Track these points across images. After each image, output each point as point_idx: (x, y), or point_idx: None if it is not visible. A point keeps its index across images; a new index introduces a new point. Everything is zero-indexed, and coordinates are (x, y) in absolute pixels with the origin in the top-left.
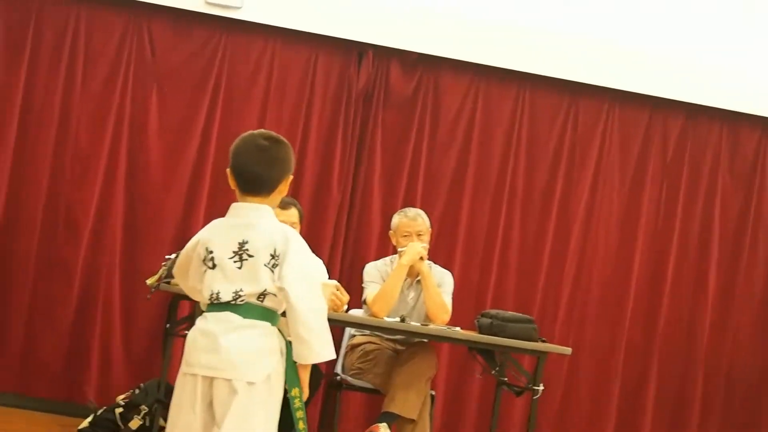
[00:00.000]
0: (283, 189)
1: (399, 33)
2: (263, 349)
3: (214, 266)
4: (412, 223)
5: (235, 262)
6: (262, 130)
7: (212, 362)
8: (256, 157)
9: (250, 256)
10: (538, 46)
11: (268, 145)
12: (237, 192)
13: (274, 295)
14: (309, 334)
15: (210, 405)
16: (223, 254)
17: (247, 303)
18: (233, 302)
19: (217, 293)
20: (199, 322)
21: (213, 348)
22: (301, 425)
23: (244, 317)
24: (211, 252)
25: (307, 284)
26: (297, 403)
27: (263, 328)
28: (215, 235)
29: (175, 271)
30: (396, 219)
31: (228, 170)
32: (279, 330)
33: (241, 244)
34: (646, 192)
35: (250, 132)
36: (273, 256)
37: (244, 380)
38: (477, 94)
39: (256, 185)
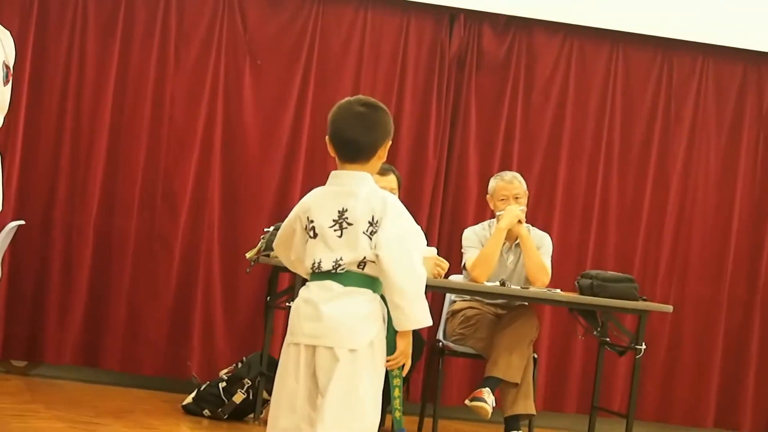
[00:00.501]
0: (382, 155)
1: None
2: (364, 315)
3: (315, 235)
4: (509, 186)
5: (335, 230)
6: (359, 96)
7: (315, 330)
8: (354, 123)
9: (350, 224)
10: (630, 2)
11: (366, 110)
12: (337, 160)
13: (373, 262)
14: (402, 300)
15: (313, 374)
16: (323, 223)
17: (347, 271)
18: (334, 271)
19: (319, 262)
20: (303, 291)
21: (315, 316)
22: (396, 393)
23: (345, 285)
24: (312, 221)
25: (401, 249)
26: (395, 372)
27: (364, 295)
28: (316, 204)
29: (276, 243)
30: (493, 183)
31: (327, 138)
32: (381, 297)
33: (341, 212)
34: (743, 145)
35: (347, 99)
36: (371, 223)
37: (347, 347)
38: (570, 54)
39: (355, 152)
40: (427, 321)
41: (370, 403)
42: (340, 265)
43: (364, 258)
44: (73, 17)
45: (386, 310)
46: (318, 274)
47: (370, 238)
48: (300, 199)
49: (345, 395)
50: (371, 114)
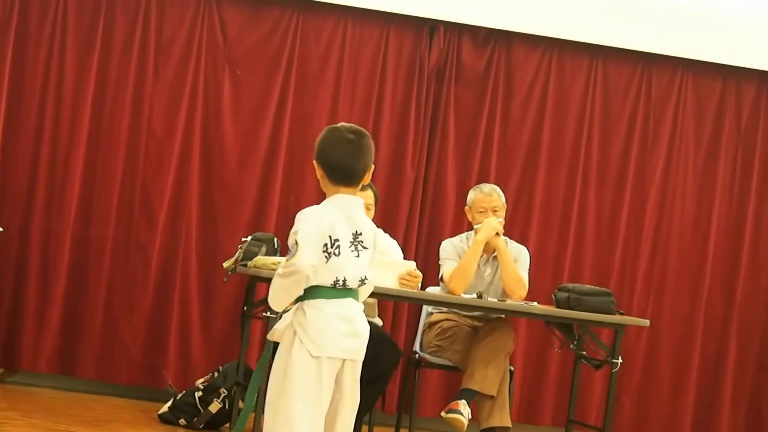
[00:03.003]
0: (367, 178)
1: (469, 8)
2: None
3: (339, 253)
4: (488, 199)
5: (352, 251)
6: (345, 124)
7: (353, 346)
8: (346, 151)
9: (365, 247)
10: (610, 16)
11: (355, 138)
12: (327, 183)
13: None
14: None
15: (332, 384)
16: (345, 242)
17: (357, 289)
18: (356, 288)
19: (344, 279)
20: (328, 306)
21: (353, 332)
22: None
23: (357, 301)
24: (337, 240)
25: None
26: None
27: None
28: (336, 225)
29: (308, 255)
30: (472, 195)
31: (315, 162)
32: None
33: (356, 235)
34: (721, 160)
35: (333, 126)
36: (374, 248)
37: (362, 359)
38: (549, 68)
39: (348, 177)
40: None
41: None
42: (363, 284)
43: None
44: (53, 27)
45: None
46: (338, 291)
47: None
48: (279, 209)
49: (357, 401)
50: (360, 141)
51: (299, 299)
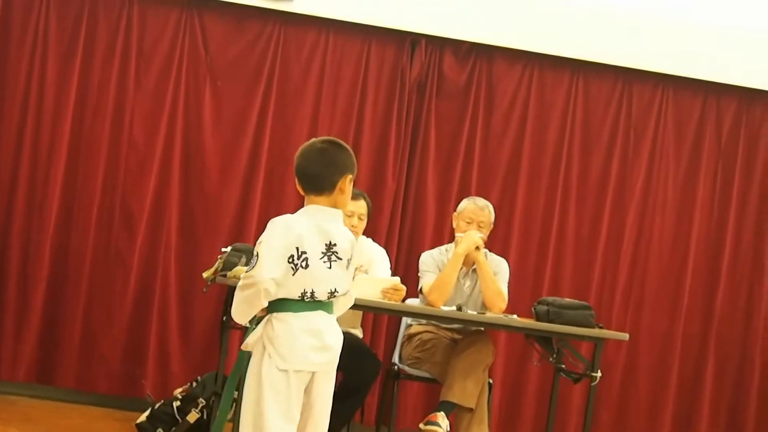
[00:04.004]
0: (344, 188)
1: (451, 22)
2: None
3: (307, 266)
4: (479, 212)
5: (324, 262)
6: (323, 137)
7: (323, 359)
8: (314, 157)
9: (339, 258)
10: (591, 31)
11: (326, 147)
12: (304, 194)
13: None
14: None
15: (302, 395)
16: (314, 254)
17: (329, 301)
18: (326, 300)
19: (311, 292)
20: (295, 320)
21: (321, 347)
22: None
23: (330, 313)
24: (305, 252)
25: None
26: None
27: (335, 321)
28: (305, 236)
29: (269, 266)
30: (464, 203)
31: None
32: None
33: (329, 246)
34: (701, 176)
35: (312, 140)
36: (348, 261)
37: (335, 369)
38: (530, 82)
39: (316, 183)
40: None
41: None
42: (334, 296)
43: (346, 291)
44: (34, 35)
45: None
46: (307, 303)
47: (348, 274)
48: (259, 220)
49: (327, 410)
50: (330, 149)
51: (268, 311)
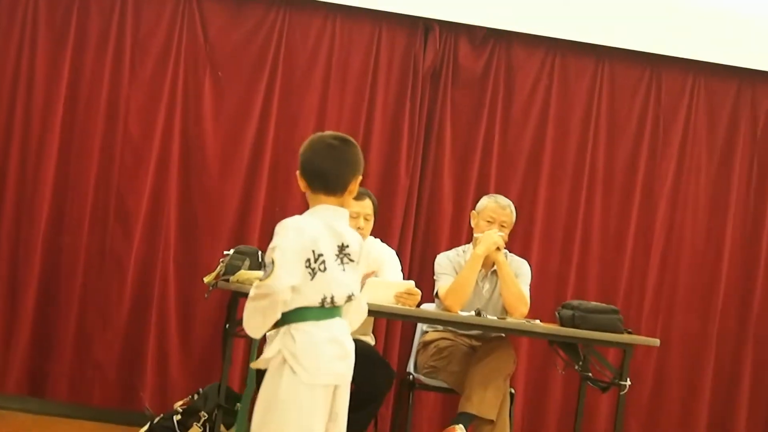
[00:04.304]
0: (354, 189)
1: (467, 6)
2: None
3: (325, 269)
4: (501, 212)
5: (338, 264)
6: (330, 132)
7: (346, 368)
8: (326, 154)
9: (351, 260)
10: (616, 15)
11: (338, 144)
12: (310, 193)
13: None
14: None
15: (328, 412)
16: (329, 256)
17: (341, 305)
18: (341, 305)
19: (332, 297)
20: (317, 330)
21: (344, 354)
22: None
23: (342, 318)
24: (321, 254)
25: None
26: None
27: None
28: (319, 238)
29: (287, 273)
30: (485, 201)
31: (298, 173)
32: None
33: (341, 247)
34: (735, 169)
35: (318, 134)
36: (361, 262)
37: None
38: (552, 70)
39: (327, 183)
40: None
41: None
42: (351, 300)
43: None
44: (23, 23)
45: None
46: (326, 310)
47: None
48: (263, 220)
49: (345, 423)
50: (343, 147)
51: (283, 322)
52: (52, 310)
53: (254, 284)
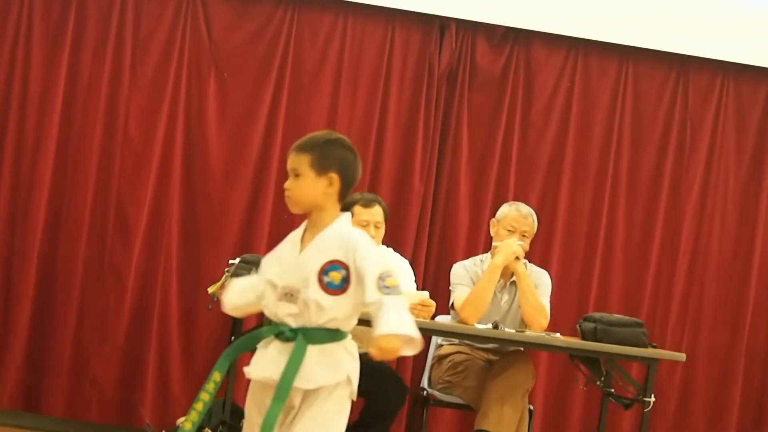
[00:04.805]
0: None
1: (484, 4)
2: None
3: None
4: (522, 221)
5: None
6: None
7: None
8: (359, 171)
9: None
10: (641, 14)
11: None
12: (334, 198)
13: None
14: None
15: None
16: None
17: None
18: None
19: None
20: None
21: None
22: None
23: None
24: None
25: None
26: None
27: None
28: None
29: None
30: (506, 209)
31: (335, 175)
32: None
33: None
34: (766, 176)
35: (347, 140)
36: None
37: None
38: (574, 71)
39: (346, 198)
40: None
41: None
42: None
43: None
44: (17, 22)
45: None
46: None
47: None
48: (270, 228)
49: None
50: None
51: (341, 337)
52: (48, 324)
53: (402, 296)
